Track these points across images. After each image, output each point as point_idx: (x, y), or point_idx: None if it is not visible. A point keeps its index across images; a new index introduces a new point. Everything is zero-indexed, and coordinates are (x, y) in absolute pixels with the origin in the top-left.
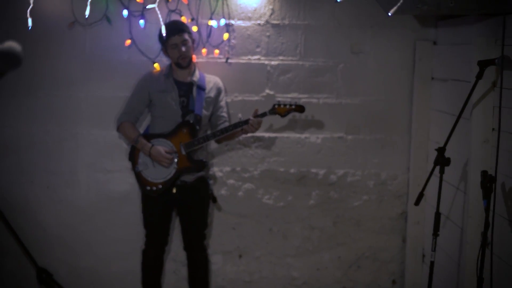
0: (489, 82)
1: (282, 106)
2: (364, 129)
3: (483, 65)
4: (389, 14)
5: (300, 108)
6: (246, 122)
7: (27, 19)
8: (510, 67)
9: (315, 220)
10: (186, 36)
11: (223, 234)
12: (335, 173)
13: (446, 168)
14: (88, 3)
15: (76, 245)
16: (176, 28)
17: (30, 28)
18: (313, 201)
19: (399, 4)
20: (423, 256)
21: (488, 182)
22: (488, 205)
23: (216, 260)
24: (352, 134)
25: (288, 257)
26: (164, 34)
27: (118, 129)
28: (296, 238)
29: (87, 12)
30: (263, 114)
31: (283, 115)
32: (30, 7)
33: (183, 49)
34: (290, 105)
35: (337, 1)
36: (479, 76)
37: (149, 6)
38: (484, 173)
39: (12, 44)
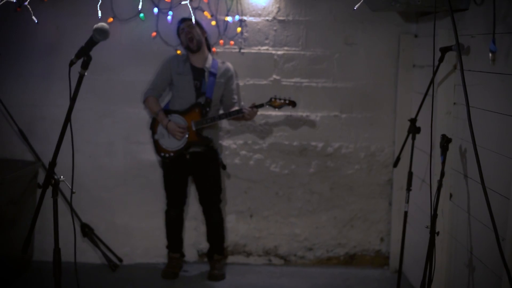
0: (451, 65)
1: (277, 100)
2: (356, 108)
3: (443, 51)
4: (354, 8)
5: (292, 103)
6: (242, 111)
7: (97, 12)
8: (463, 52)
9: (314, 186)
10: (191, 23)
11: (237, 197)
12: (331, 146)
13: (421, 138)
14: (140, 3)
15: (113, 205)
16: (183, 18)
17: (100, 17)
18: (313, 169)
19: (360, 2)
20: None
21: (445, 142)
22: (444, 159)
23: (230, 219)
24: (346, 113)
25: (292, 217)
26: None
27: (144, 102)
28: (298, 201)
29: (141, 16)
30: (261, 105)
31: (277, 107)
32: (100, 2)
33: (188, 29)
34: (284, 100)
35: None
36: (440, 60)
37: (183, 2)
38: (442, 136)
39: (103, 24)
